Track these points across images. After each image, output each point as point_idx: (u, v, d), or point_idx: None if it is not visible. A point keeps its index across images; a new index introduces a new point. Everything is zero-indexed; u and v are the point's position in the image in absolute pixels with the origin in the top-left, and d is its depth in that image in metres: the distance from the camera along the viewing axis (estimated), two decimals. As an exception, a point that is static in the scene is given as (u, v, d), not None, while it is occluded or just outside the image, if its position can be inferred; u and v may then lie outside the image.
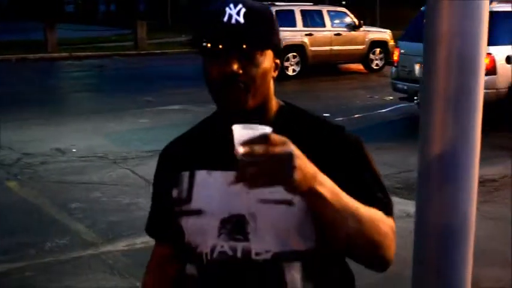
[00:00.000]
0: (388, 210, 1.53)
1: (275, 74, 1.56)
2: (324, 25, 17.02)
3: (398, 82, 10.85)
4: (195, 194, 1.58)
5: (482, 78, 2.20)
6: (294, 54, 16.33)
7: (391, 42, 18.00)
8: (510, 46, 9.67)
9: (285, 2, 18.26)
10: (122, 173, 7.58)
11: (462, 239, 2.25)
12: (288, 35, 16.08)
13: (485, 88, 2.27)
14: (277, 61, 1.56)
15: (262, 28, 1.50)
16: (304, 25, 16.51)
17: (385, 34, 18.46)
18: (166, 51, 23.39)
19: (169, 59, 21.38)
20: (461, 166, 2.24)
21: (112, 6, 49.72)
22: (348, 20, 17.72)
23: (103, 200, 6.54)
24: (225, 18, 1.46)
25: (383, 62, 17.96)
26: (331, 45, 16.98)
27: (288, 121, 1.57)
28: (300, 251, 1.51)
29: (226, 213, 1.53)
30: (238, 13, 1.47)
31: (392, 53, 17.73)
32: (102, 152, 8.48)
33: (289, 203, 1.48)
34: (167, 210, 1.64)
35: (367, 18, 20.80)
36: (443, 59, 2.17)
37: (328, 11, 17.52)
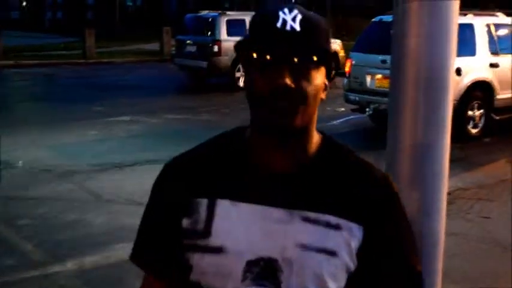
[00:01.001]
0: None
1: (324, 96, 1.39)
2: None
3: (350, 93, 10.89)
4: (215, 228, 1.37)
5: (450, 91, 2.15)
6: (246, 64, 16.28)
7: (342, 53, 18.14)
8: (460, 58, 9.81)
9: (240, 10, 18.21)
10: (69, 187, 7.35)
11: (432, 250, 2.20)
12: (239, 44, 16.05)
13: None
14: (327, 82, 1.39)
15: (320, 40, 1.34)
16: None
17: (335, 45, 18.56)
18: (115, 60, 23.11)
19: (118, 68, 21.11)
20: (430, 175, 2.20)
21: (59, 13, 49.02)
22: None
23: (50, 216, 6.31)
24: (279, 24, 1.30)
25: (334, 73, 18.00)
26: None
27: (330, 157, 1.43)
28: None
29: (254, 254, 1.34)
30: (293, 19, 1.31)
31: (344, 64, 17.93)
32: (49, 165, 8.22)
33: (332, 253, 1.34)
34: (170, 241, 1.42)
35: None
36: (411, 72, 2.14)
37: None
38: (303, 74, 1.31)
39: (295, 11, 1.32)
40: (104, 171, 8.09)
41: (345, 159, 1.44)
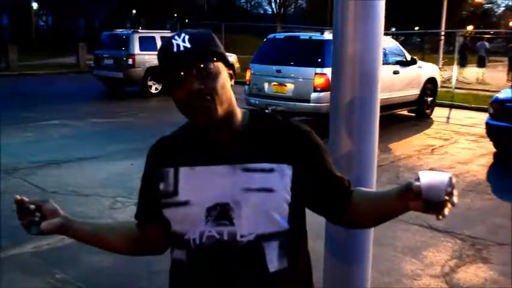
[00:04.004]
0: (351, 185, 1.65)
1: (232, 82, 1.58)
2: (181, 50, 16.99)
3: (250, 98, 11.09)
4: (180, 188, 1.57)
5: (378, 90, 2.38)
6: (156, 74, 16.21)
7: (237, 65, 18.40)
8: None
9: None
10: (16, 182, 7.11)
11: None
12: (151, 58, 15.94)
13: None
14: (230, 71, 1.57)
15: (207, 45, 1.53)
16: (165, 50, 16.37)
17: (231, 58, 18.77)
18: (37, 72, 22.21)
19: (41, 79, 20.30)
20: (362, 162, 2.41)
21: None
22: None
23: (5, 207, 6.09)
24: (175, 49, 1.49)
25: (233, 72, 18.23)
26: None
27: (255, 121, 1.62)
28: (277, 231, 1.55)
29: (211, 202, 1.53)
30: (183, 40, 1.49)
31: (239, 74, 18.16)
32: (-8, 164, 7.87)
33: (270, 190, 1.52)
34: (155, 201, 1.63)
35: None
36: (348, 73, 2.33)
37: (184, 38, 17.51)
38: (206, 75, 1.49)
39: (183, 34, 1.51)
40: (44, 167, 7.88)
41: (268, 120, 1.65)
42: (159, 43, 16.28)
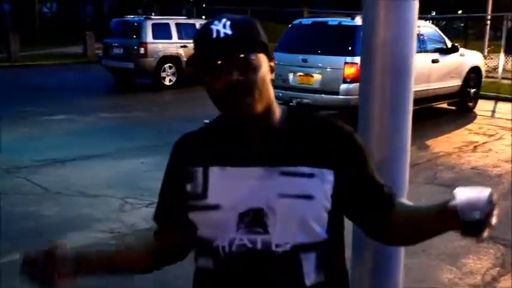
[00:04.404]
0: (396, 196, 1.65)
1: (272, 77, 1.57)
2: (197, 37, 17.06)
3: (274, 90, 11.07)
4: (210, 190, 1.56)
5: (412, 78, 2.37)
6: (170, 65, 16.28)
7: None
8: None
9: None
10: (18, 182, 7.23)
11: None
12: (165, 46, 16.07)
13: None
14: (271, 64, 1.57)
15: (250, 34, 1.52)
16: (179, 37, 16.46)
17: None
18: (40, 63, 22.45)
19: (44, 71, 20.47)
20: (394, 162, 2.41)
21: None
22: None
23: (7, 208, 6.21)
24: (214, 35, 1.48)
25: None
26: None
27: (294, 120, 1.61)
28: (315, 242, 1.54)
29: (243, 207, 1.52)
30: (224, 26, 1.49)
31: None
32: (-5, 161, 8.01)
33: (309, 197, 1.52)
34: (179, 203, 1.62)
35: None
36: (379, 63, 2.33)
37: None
38: (247, 66, 1.49)
39: (224, 20, 1.51)
40: (49, 165, 7.98)
41: (308, 119, 1.64)
42: (173, 30, 16.39)
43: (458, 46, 12.54)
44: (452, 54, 12.09)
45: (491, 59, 18.73)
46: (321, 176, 1.53)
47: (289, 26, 11.46)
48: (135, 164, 7.97)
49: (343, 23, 10.45)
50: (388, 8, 2.25)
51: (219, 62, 1.48)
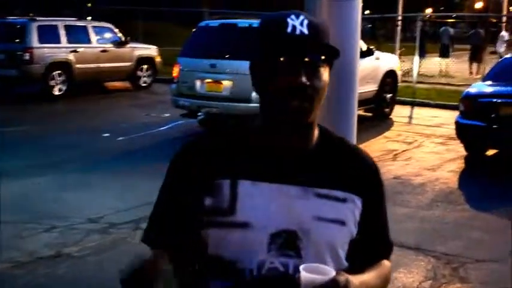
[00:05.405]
0: (390, 254, 1.77)
1: (326, 92, 1.57)
2: (89, 41, 16.73)
3: (179, 99, 11.01)
4: (240, 206, 1.53)
5: (357, 80, 2.46)
6: (60, 72, 15.86)
7: (158, 59, 18.34)
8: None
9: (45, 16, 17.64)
10: None
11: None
12: (53, 51, 15.67)
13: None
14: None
15: (325, 38, 1.54)
16: (69, 41, 16.09)
17: (152, 50, 18.67)
18: None
19: None
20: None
21: None
22: (113, 36, 17.61)
23: None
24: (289, 29, 1.49)
25: (151, 79, 18.22)
26: (98, 63, 16.69)
27: (328, 143, 1.65)
28: (342, 269, 1.55)
29: (276, 228, 1.52)
30: (301, 24, 1.49)
31: (158, 70, 18.08)
32: None
33: (342, 222, 1.57)
34: (187, 220, 1.57)
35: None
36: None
37: (94, 27, 17.22)
38: (314, 72, 1.50)
39: (302, 17, 1.51)
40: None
41: (340, 145, 1.70)
42: (62, 33, 15.98)
43: (374, 49, 12.95)
44: (367, 58, 12.41)
45: (404, 61, 19.11)
46: (352, 201, 1.60)
47: (194, 29, 11.48)
48: (29, 185, 7.72)
49: (254, 25, 10.56)
50: (331, 8, 2.33)
51: (288, 59, 1.48)
